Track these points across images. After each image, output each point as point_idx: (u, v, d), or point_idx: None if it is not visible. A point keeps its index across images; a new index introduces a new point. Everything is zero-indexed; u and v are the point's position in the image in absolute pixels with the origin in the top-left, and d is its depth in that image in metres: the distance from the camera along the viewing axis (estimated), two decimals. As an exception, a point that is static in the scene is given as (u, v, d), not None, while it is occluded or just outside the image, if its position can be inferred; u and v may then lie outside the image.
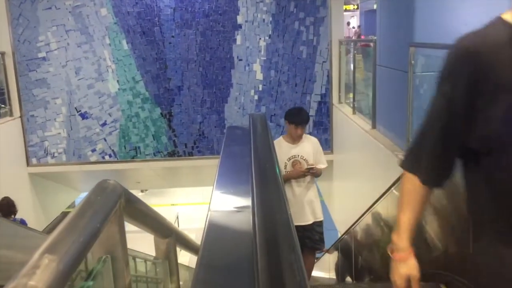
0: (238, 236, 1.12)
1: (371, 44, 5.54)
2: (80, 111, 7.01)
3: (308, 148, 4.16)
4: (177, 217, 12.14)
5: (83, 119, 7.04)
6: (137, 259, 2.43)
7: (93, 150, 7.18)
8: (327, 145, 6.97)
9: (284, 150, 4.11)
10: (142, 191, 13.62)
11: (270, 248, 0.87)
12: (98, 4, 6.72)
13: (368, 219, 3.71)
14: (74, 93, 6.95)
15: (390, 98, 4.64)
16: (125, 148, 7.20)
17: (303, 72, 6.90)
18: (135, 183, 8.73)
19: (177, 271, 1.89)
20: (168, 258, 1.81)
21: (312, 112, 6.98)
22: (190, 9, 6.77)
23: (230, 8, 6.76)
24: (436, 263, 2.60)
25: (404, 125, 3.99)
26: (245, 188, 1.31)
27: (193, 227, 12.74)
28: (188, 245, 2.61)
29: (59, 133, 7.06)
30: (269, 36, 6.83)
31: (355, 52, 6.36)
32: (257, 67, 6.91)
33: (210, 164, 7.39)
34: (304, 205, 4.08)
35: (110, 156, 7.20)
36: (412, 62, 3.80)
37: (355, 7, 18.41)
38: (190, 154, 7.24)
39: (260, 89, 6.98)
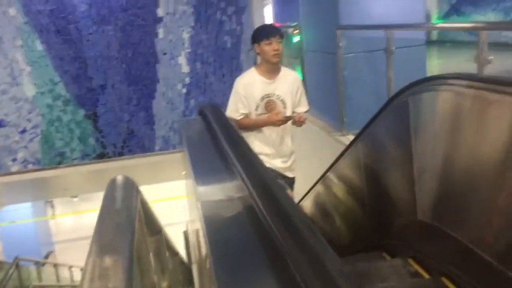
0: (239, 221, 1.12)
1: (292, 30, 5.66)
2: (-5, 119, 6.53)
3: (286, 85, 3.33)
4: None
5: (-1, 127, 6.57)
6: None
7: (14, 160, 6.72)
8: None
9: (257, 86, 3.29)
10: (72, 197, 13.02)
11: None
12: (5, 4, 6.25)
13: (319, 188, 3.78)
14: (-13, 101, 6.45)
15: (320, 81, 4.80)
16: (49, 154, 6.82)
17: (229, 62, 6.90)
18: (63, 190, 8.31)
19: (168, 268, 1.83)
20: (158, 255, 1.75)
21: (241, 101, 7.03)
22: (106, 4, 6.50)
23: (149, 1, 6.58)
24: (388, 233, 2.73)
25: (337, 107, 4.15)
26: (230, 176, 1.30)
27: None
28: (169, 244, 2.54)
29: (-26, 145, 6.54)
30: (192, 28, 6.74)
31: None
32: (182, 60, 6.81)
33: (142, 163, 7.21)
34: (278, 158, 3.42)
35: (33, 164, 6.79)
36: (340, 44, 3.95)
37: (269, -5, 18.64)
38: (121, 154, 7.01)
39: (188, 82, 6.89)
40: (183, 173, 8.26)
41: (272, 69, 3.32)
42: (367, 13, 3.91)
